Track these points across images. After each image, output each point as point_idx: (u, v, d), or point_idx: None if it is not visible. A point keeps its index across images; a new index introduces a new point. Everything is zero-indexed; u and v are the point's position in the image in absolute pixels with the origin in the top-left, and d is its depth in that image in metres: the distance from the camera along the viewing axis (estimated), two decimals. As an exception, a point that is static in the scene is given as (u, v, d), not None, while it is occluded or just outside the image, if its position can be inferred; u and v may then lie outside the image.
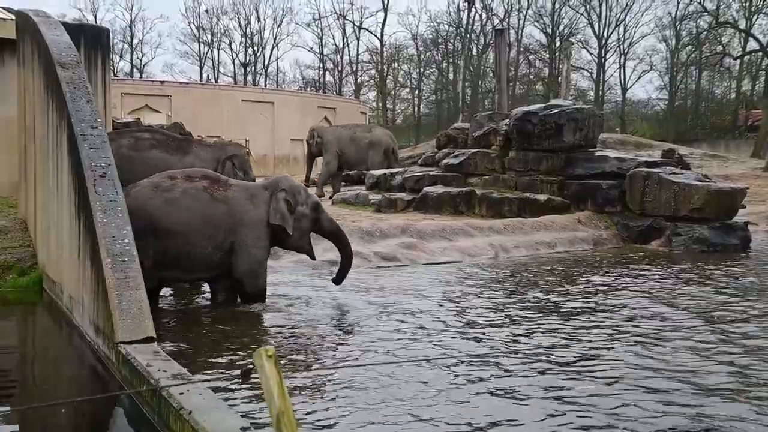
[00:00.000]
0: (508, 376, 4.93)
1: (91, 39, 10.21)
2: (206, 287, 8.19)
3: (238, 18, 55.18)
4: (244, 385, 4.51)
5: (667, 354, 5.46)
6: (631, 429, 3.97)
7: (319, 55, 55.10)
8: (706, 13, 44.23)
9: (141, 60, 54.98)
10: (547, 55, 50.71)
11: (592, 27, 49.14)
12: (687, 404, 4.34)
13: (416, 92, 54.58)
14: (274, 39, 55.04)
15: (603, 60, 49.04)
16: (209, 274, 7.05)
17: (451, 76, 52.99)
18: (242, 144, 9.34)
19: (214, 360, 5.29)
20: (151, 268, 6.25)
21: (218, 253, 6.83)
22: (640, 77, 51.51)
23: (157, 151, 8.35)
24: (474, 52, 51.63)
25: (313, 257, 7.66)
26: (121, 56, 53.05)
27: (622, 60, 49.40)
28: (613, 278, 9.15)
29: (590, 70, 50.29)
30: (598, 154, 14.46)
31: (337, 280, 7.77)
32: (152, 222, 6.51)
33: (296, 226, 7.23)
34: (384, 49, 53.14)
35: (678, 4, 45.70)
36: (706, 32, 45.21)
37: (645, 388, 4.63)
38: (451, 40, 52.89)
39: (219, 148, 8.80)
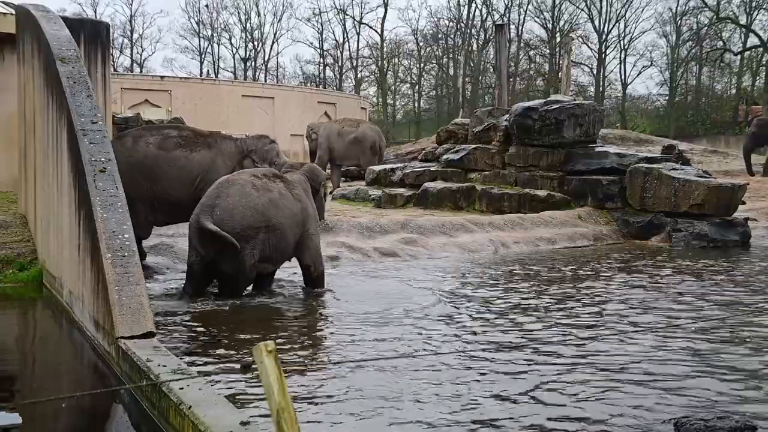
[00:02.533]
0: (510, 374, 4.94)
1: (91, 34, 10.19)
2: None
3: (238, 13, 55.12)
4: (245, 380, 4.52)
5: (677, 346, 5.47)
6: (639, 416, 4.03)
7: (319, 51, 55.04)
8: (706, 9, 44.22)
9: (141, 55, 54.93)
10: (548, 51, 50.63)
11: (593, 22, 49.06)
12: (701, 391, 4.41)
13: (416, 88, 54.50)
14: (274, 34, 54.96)
15: (603, 55, 48.95)
16: (280, 265, 7.60)
17: (451, 71, 52.92)
18: (265, 135, 9.07)
19: (214, 355, 5.29)
20: (255, 263, 7.01)
21: (295, 244, 7.40)
22: (640, 73, 51.50)
23: (182, 149, 8.38)
24: (474, 47, 51.55)
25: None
26: (121, 51, 53.02)
27: (623, 55, 49.33)
28: (612, 273, 9.15)
29: (590, 66, 50.22)
30: (598, 149, 14.45)
31: None
32: (265, 220, 6.99)
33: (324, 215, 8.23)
34: (384, 45, 53.08)
35: (678, -1, 45.66)
36: (706, 28, 45.16)
37: (647, 381, 4.65)
38: (452, 36, 52.82)
39: (242, 142, 8.87)
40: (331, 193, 16.33)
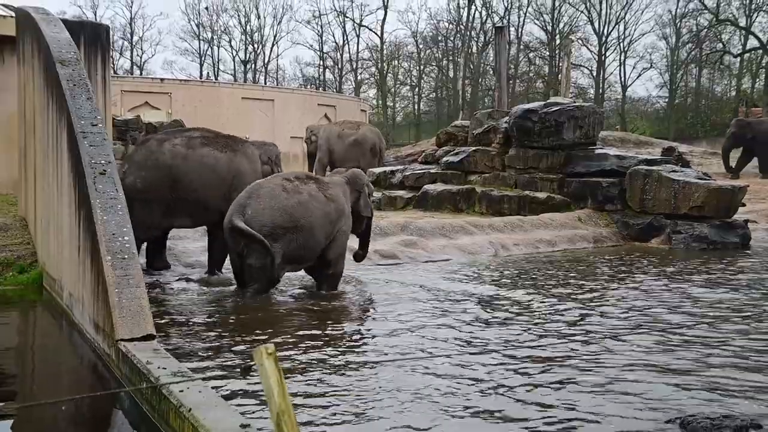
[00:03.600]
0: (512, 371, 4.93)
1: (90, 36, 10.18)
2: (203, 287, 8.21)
3: (238, 15, 55.15)
4: (245, 383, 4.51)
5: (676, 349, 5.47)
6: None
7: (319, 53, 55.05)
8: (706, 11, 44.23)
9: (141, 57, 54.94)
10: (547, 53, 50.65)
11: (592, 24, 49.07)
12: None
13: (416, 90, 54.52)
14: (274, 36, 54.97)
15: (603, 57, 48.97)
16: (313, 262, 7.82)
17: (451, 73, 52.93)
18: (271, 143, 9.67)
19: (214, 357, 5.29)
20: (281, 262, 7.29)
21: (326, 243, 7.68)
22: (640, 75, 51.37)
23: (209, 149, 8.50)
24: (474, 49, 51.57)
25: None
26: (121, 53, 53.04)
27: (622, 57, 49.33)
28: (613, 275, 9.15)
29: (590, 68, 50.23)
30: (598, 151, 14.45)
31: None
32: (293, 221, 7.30)
33: (371, 213, 8.46)
34: (384, 47, 53.10)
35: (678, 1, 45.63)
36: (706, 30, 45.17)
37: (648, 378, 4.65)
38: (451, 38, 52.84)
39: (261, 146, 9.24)
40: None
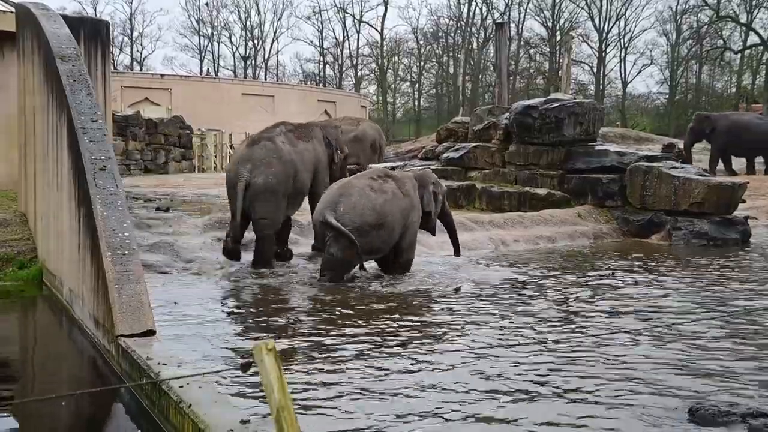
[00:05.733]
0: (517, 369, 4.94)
1: (90, 32, 10.19)
2: (203, 283, 8.21)
3: (238, 11, 55.15)
4: (245, 378, 4.52)
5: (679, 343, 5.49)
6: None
7: (319, 49, 55.10)
8: (706, 7, 44.24)
9: (141, 53, 55.02)
10: (548, 49, 50.67)
11: (593, 21, 49.11)
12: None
13: (416, 86, 54.54)
14: (274, 32, 55.06)
15: (603, 54, 48.99)
16: (386, 253, 8.39)
17: (451, 69, 52.93)
18: (333, 124, 10.49)
19: (214, 353, 5.29)
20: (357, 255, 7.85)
21: (399, 235, 8.27)
22: (640, 71, 51.39)
23: (303, 143, 9.13)
24: (474, 45, 51.59)
25: (434, 233, 9.30)
26: (121, 49, 53.10)
27: (623, 54, 49.41)
28: (612, 271, 9.15)
29: (591, 64, 50.26)
30: (598, 148, 14.43)
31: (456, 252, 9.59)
32: (380, 219, 7.93)
33: (435, 210, 8.90)
34: (384, 43, 53.12)
35: (679, -2, 45.65)
36: (706, 26, 45.20)
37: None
38: (452, 34, 52.83)
39: (325, 130, 9.74)
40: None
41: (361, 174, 8.67)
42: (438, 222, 9.21)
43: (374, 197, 7.99)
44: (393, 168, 16.31)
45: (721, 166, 20.38)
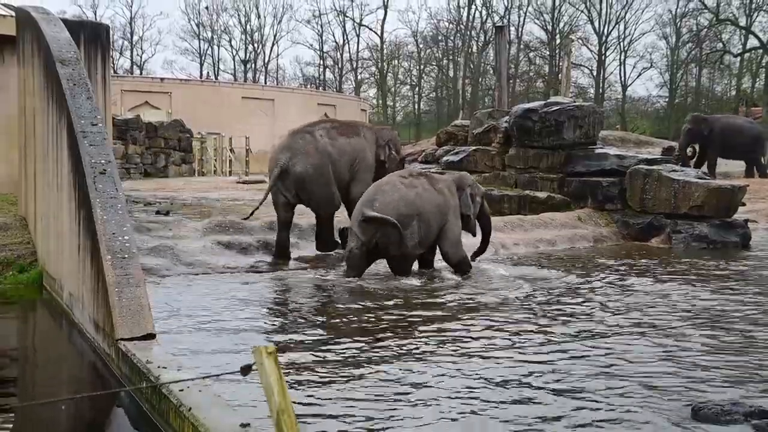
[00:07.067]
0: (520, 365, 4.94)
1: (90, 36, 10.19)
2: (204, 283, 8.22)
3: (238, 15, 55.19)
4: (245, 381, 4.50)
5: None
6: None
7: (319, 52, 55.14)
8: (706, 11, 44.31)
9: (141, 57, 55.03)
10: (548, 52, 50.71)
11: (593, 24, 49.15)
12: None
13: (416, 89, 54.58)
14: (274, 36, 55.08)
15: (603, 57, 49.03)
16: (426, 250, 8.75)
17: (451, 73, 52.97)
18: (388, 127, 11.47)
19: (214, 356, 5.28)
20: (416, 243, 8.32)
21: (437, 232, 8.61)
22: (640, 74, 51.40)
23: (344, 138, 9.71)
24: (474, 49, 51.63)
25: (474, 234, 9.32)
26: (121, 53, 53.11)
27: (623, 57, 49.42)
28: (617, 273, 9.16)
29: (590, 68, 50.28)
30: (598, 151, 14.44)
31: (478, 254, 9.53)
32: (415, 209, 8.30)
33: (473, 212, 9.10)
34: (384, 46, 53.17)
35: (678, 1, 45.74)
36: (706, 29, 45.23)
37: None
38: (451, 38, 52.87)
39: (378, 131, 10.37)
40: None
41: (392, 173, 9.04)
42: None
43: (406, 191, 8.38)
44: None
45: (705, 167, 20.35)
